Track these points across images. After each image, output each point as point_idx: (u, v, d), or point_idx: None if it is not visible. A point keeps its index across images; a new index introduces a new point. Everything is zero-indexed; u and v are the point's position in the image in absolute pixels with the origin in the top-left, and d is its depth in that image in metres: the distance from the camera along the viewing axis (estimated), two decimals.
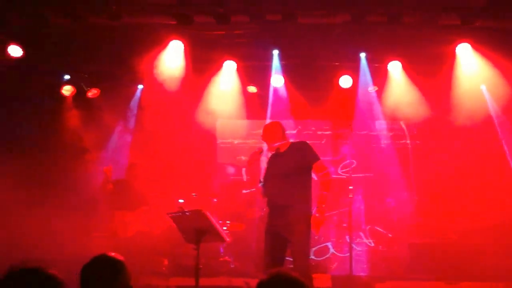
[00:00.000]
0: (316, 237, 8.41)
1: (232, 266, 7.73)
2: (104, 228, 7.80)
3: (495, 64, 8.05)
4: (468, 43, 8.09)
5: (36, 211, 7.33)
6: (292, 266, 5.48)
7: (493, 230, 7.78)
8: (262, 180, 5.70)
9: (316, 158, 5.59)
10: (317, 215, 5.37)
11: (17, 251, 7.29)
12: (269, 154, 5.81)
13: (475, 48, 8.10)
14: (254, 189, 5.91)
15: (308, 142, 5.82)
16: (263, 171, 5.76)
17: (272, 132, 5.75)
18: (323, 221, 5.42)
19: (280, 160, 5.62)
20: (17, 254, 7.23)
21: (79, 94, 8.92)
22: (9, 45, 7.78)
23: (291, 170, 5.51)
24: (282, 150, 5.68)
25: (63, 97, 8.91)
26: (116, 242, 7.26)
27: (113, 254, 2.79)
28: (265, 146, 5.84)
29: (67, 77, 8.91)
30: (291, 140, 5.85)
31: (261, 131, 5.87)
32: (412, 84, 8.73)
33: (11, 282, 2.24)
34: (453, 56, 8.32)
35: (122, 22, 7.33)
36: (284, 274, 2.60)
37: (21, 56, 7.88)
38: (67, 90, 8.86)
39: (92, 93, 8.91)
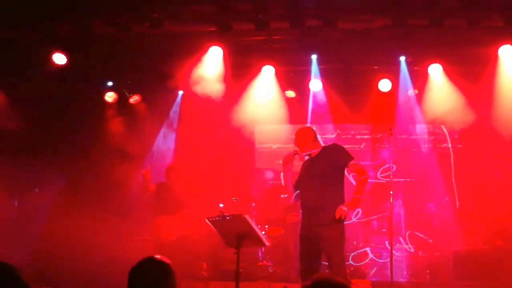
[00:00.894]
0: (354, 243, 8.38)
1: (271, 270, 7.75)
2: (145, 231, 7.94)
3: None
4: (511, 44, 7.91)
5: (79, 215, 7.52)
6: (327, 271, 5.48)
7: None
8: (295, 184, 5.76)
9: (350, 157, 5.61)
10: (345, 205, 5.38)
11: (61, 253, 7.53)
12: (306, 158, 5.82)
13: None
14: (288, 195, 5.92)
15: (340, 144, 5.90)
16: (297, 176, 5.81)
17: (303, 137, 5.78)
18: (345, 212, 5.40)
19: (313, 163, 5.67)
20: (61, 256, 7.47)
21: (122, 101, 9.11)
22: (54, 53, 8.02)
23: (323, 171, 5.56)
24: (314, 154, 5.72)
25: (106, 103, 9.11)
26: (157, 246, 7.38)
27: (159, 257, 2.82)
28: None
29: (110, 83, 9.11)
30: (323, 145, 5.86)
31: None
32: (453, 87, 8.59)
33: None
34: (495, 58, 8.15)
35: (163, 30, 7.47)
36: (328, 278, 2.58)
37: (65, 63, 8.10)
38: (109, 96, 9.05)
39: (134, 99, 9.09)
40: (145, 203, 8.01)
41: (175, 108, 9.32)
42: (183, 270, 7.29)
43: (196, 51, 8.19)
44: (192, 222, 7.67)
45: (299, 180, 5.74)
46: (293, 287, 7.09)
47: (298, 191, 5.74)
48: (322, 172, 5.56)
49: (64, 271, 7.31)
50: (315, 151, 5.72)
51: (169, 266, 2.79)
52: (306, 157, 5.80)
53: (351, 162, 5.58)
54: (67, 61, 8.09)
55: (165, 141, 9.36)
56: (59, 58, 8.06)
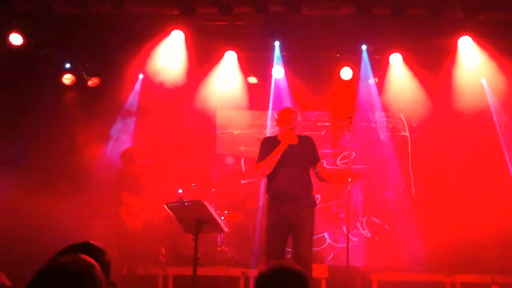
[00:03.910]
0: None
1: (229, 256, 7.78)
2: (104, 215, 7.85)
3: (496, 57, 8.06)
4: (470, 36, 8.08)
5: (38, 199, 7.37)
6: (293, 255, 5.55)
7: (492, 223, 7.79)
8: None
9: (319, 158, 5.86)
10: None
11: (15, 236, 7.37)
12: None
13: (476, 41, 8.10)
14: (253, 179, 5.90)
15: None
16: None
17: (294, 118, 5.73)
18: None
19: (293, 151, 5.61)
20: (15, 239, 7.31)
21: (80, 83, 8.90)
22: (10, 33, 7.78)
23: (305, 161, 5.67)
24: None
25: (64, 86, 8.89)
26: (127, 233, 7.33)
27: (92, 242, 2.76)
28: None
29: (67, 65, 8.90)
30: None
31: (261, 121, 5.90)
32: (412, 77, 8.75)
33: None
34: (455, 49, 8.32)
35: (124, 12, 7.33)
36: (287, 266, 2.60)
37: (22, 44, 7.88)
38: (67, 78, 8.84)
39: (92, 82, 8.90)
40: (105, 188, 7.95)
41: (135, 92, 9.16)
42: (141, 254, 7.27)
43: (157, 34, 8.09)
44: (153, 205, 7.64)
45: (278, 165, 5.59)
46: (251, 272, 7.13)
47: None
48: (304, 161, 5.67)
49: (17, 255, 7.17)
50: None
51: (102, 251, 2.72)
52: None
53: (320, 162, 5.85)
54: (24, 42, 7.87)
55: (124, 125, 9.20)
56: (16, 39, 7.84)
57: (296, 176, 5.58)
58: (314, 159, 5.78)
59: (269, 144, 5.71)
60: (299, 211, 5.50)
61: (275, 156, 5.55)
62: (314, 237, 5.74)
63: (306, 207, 5.56)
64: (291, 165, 5.58)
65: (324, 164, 9.12)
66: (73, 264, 1.87)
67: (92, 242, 2.74)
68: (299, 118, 5.82)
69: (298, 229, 5.51)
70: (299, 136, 5.79)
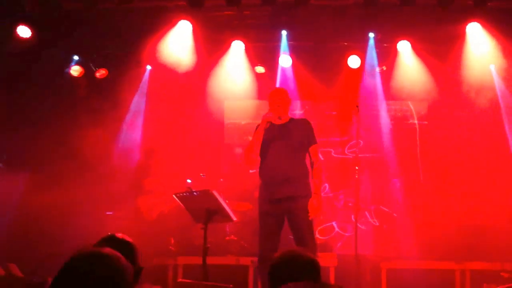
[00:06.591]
0: (321, 217, 8.49)
1: (239, 245, 7.82)
2: (119, 207, 7.91)
3: (505, 44, 8.00)
4: (479, 22, 8.02)
5: (51, 193, 7.44)
6: (296, 242, 5.47)
7: (501, 210, 7.79)
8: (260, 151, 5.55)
9: (315, 141, 5.58)
10: (314, 201, 5.34)
11: (33, 231, 7.46)
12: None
13: (485, 27, 8.04)
14: (253, 164, 5.69)
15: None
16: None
17: (287, 99, 5.60)
18: (320, 208, 5.39)
19: (286, 132, 5.49)
20: (33, 234, 7.40)
21: (88, 75, 8.95)
22: (18, 25, 7.83)
23: (298, 144, 5.46)
24: (283, 122, 5.57)
25: (72, 78, 8.94)
26: (142, 224, 7.40)
27: (120, 235, 2.80)
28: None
29: (75, 57, 8.94)
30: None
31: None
32: (421, 64, 8.70)
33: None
34: (463, 36, 8.26)
35: (131, 5, 7.35)
36: (298, 253, 2.59)
37: (30, 37, 7.93)
38: (75, 70, 8.89)
39: (100, 73, 8.94)
40: (118, 179, 8.01)
41: (143, 83, 9.20)
42: (152, 245, 7.33)
43: (165, 26, 8.10)
44: (166, 199, 7.70)
45: (267, 148, 5.47)
46: None
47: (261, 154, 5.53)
48: (299, 144, 5.46)
49: (31, 248, 7.26)
50: (285, 119, 5.60)
51: (132, 244, 2.77)
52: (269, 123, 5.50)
53: (313, 145, 5.56)
54: (32, 35, 7.92)
55: (133, 117, 9.23)
56: (24, 31, 7.89)
57: (287, 157, 5.39)
58: (306, 141, 5.51)
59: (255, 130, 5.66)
60: (293, 201, 5.32)
61: (252, 142, 5.50)
62: (322, 226, 5.68)
63: (302, 198, 5.35)
64: (283, 148, 5.41)
65: (332, 153, 9.18)
66: (103, 253, 1.90)
67: (117, 234, 2.79)
68: (286, 98, 5.58)
69: (296, 219, 5.35)
70: (292, 119, 5.67)
